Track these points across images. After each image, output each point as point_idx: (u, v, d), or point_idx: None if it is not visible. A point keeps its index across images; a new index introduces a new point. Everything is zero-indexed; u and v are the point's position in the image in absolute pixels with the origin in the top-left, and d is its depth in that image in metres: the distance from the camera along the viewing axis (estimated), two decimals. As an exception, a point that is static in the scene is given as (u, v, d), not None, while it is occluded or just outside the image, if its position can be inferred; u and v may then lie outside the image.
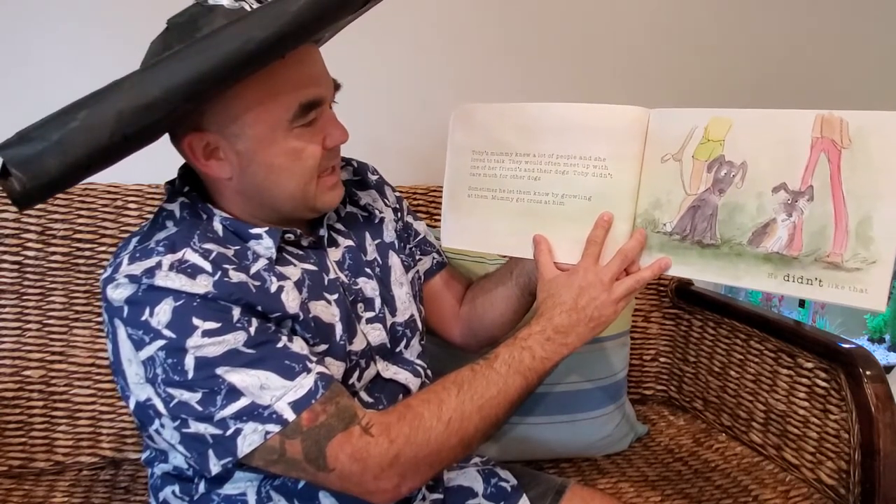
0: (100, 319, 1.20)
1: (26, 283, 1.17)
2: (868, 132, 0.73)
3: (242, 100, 0.72)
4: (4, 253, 1.16)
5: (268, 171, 0.76)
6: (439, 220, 0.98)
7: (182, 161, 0.84)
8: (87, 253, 1.19)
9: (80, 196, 1.20)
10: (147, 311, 0.69)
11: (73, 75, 1.24)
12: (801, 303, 1.86)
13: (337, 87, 0.80)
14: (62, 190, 0.65)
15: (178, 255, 0.71)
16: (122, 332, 0.70)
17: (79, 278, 1.19)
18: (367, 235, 0.92)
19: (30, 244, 1.17)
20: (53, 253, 1.18)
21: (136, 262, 0.70)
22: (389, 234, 0.95)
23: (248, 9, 0.72)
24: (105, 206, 1.21)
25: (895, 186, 0.71)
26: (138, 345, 0.69)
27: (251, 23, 0.64)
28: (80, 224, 1.19)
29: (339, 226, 0.90)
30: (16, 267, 1.17)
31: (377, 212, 0.95)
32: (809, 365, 1.17)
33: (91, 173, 0.66)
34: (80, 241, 1.19)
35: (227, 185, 0.78)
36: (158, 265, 0.70)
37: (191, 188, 0.81)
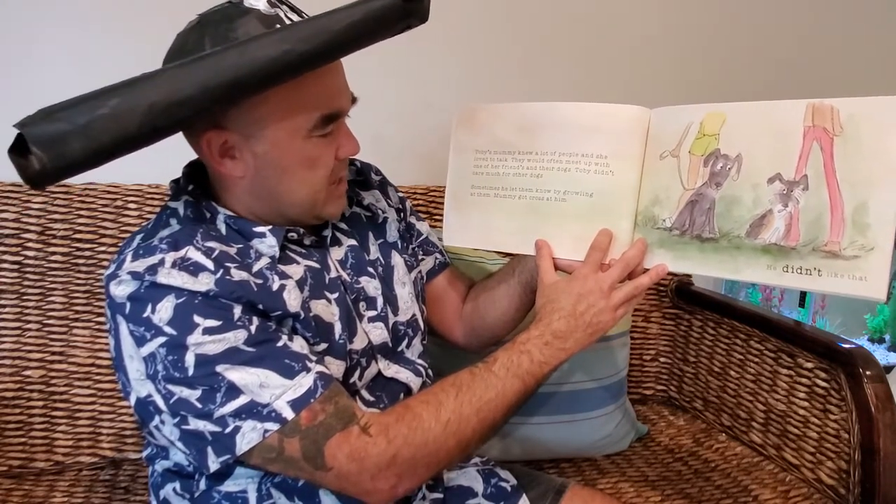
0: (100, 319, 1.20)
1: (26, 283, 1.17)
2: (859, 118, 0.73)
3: (268, 105, 0.73)
4: (4, 253, 1.16)
5: (281, 175, 0.77)
6: (439, 221, 0.99)
7: (185, 160, 0.85)
8: (87, 253, 1.19)
9: (80, 196, 1.20)
10: (149, 307, 0.69)
11: (74, 76, 1.24)
12: (802, 302, 1.86)
13: (353, 100, 0.81)
14: (81, 173, 0.65)
15: (181, 252, 0.71)
16: (123, 329, 0.71)
17: (79, 278, 1.19)
18: (371, 235, 0.93)
19: (30, 244, 1.17)
20: (53, 253, 1.18)
21: (139, 259, 0.71)
22: (392, 234, 0.95)
23: (284, 16, 0.73)
24: (105, 206, 1.21)
25: (888, 171, 0.71)
26: (140, 341, 0.69)
27: (294, 34, 0.66)
28: (80, 224, 1.19)
29: (342, 225, 0.90)
30: (16, 267, 1.17)
31: (380, 212, 0.96)
32: (809, 365, 1.17)
33: (113, 159, 0.65)
34: (80, 241, 1.19)
35: (237, 182, 0.79)
36: (161, 262, 0.70)
37: (195, 187, 0.82)
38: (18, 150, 0.61)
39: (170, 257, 0.70)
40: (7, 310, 1.17)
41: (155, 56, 0.76)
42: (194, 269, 0.70)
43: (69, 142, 0.61)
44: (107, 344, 1.18)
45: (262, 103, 0.72)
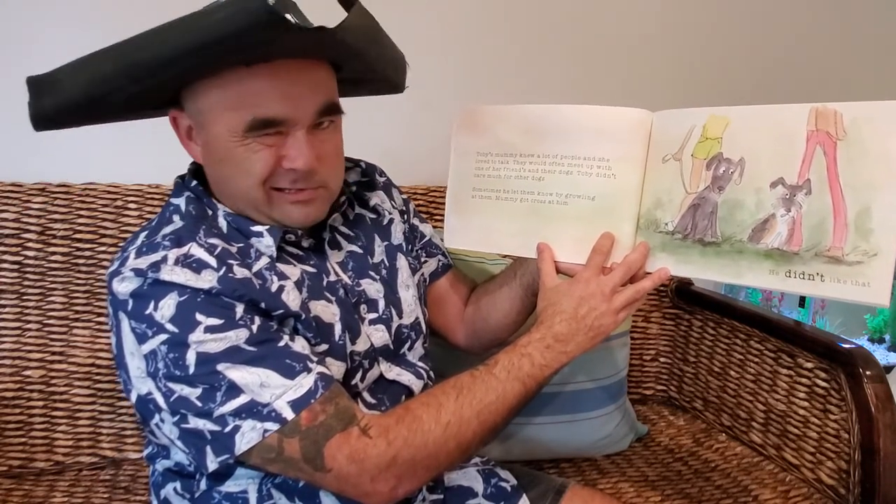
0: (100, 319, 1.20)
1: (26, 283, 1.17)
2: (862, 122, 0.72)
3: (206, 97, 0.74)
4: (4, 253, 1.16)
5: (220, 166, 0.77)
6: (439, 221, 0.98)
7: (185, 160, 0.85)
8: (87, 253, 1.19)
9: (80, 196, 1.20)
10: (151, 304, 0.69)
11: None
12: (802, 302, 1.86)
13: (335, 110, 0.79)
14: (60, 126, 0.77)
15: (184, 249, 0.72)
16: (125, 326, 0.71)
17: (79, 278, 1.19)
18: (376, 237, 0.92)
19: (30, 244, 1.17)
20: (53, 253, 1.18)
21: (142, 256, 0.71)
22: (397, 237, 0.95)
23: None
24: (105, 206, 1.21)
25: (891, 176, 0.71)
26: (141, 338, 0.70)
27: (171, 32, 0.67)
28: (80, 224, 1.19)
29: (344, 228, 0.90)
30: (16, 267, 1.17)
31: (386, 213, 0.96)
32: (809, 365, 1.17)
33: (79, 120, 0.77)
34: (80, 241, 1.19)
35: (207, 170, 0.80)
36: (164, 259, 0.70)
37: (198, 183, 0.82)
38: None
39: (173, 254, 0.71)
40: (7, 310, 1.17)
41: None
42: (197, 266, 0.71)
43: (43, 97, 0.73)
44: (107, 344, 1.17)
45: (202, 95, 0.74)
